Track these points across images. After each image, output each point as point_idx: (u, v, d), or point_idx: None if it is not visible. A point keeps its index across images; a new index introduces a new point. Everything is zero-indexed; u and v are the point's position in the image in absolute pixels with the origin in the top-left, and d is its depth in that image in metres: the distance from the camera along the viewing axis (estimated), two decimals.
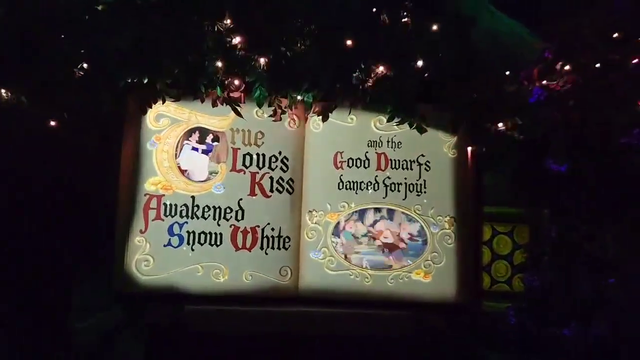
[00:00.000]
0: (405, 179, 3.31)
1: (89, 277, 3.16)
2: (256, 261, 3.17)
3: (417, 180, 3.31)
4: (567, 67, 3.15)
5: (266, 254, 3.18)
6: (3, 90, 2.98)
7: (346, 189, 3.28)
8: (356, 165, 3.30)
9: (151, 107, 3.12)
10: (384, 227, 3.27)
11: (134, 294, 3.08)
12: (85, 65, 2.97)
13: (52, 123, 3.11)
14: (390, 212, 3.28)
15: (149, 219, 3.12)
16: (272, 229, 3.20)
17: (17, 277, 3.07)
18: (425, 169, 3.32)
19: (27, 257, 3.08)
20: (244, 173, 3.22)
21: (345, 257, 3.24)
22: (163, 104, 3.13)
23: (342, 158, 3.30)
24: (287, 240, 3.22)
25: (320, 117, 3.20)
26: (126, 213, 3.14)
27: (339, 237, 3.25)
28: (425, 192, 3.30)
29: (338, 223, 3.25)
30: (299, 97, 3.10)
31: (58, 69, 2.98)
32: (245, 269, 3.15)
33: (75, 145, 3.13)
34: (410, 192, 3.30)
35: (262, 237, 3.19)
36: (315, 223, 3.25)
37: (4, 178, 3.04)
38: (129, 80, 3.00)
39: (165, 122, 3.21)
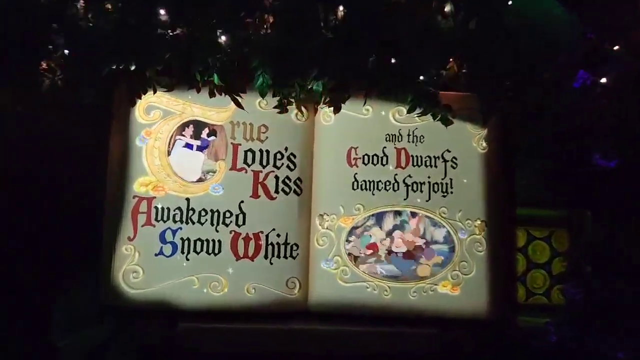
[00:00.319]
0: (429, 177, 2.92)
1: (73, 290, 2.80)
2: (260, 272, 2.81)
3: (443, 179, 2.92)
4: (616, 48, 2.73)
5: (271, 263, 2.83)
6: None
7: (361, 189, 2.90)
8: (373, 163, 2.93)
9: (140, 98, 2.81)
10: (404, 233, 2.87)
11: (122, 309, 2.74)
12: (65, 52, 2.63)
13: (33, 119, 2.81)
14: (412, 216, 2.88)
15: (138, 224, 2.78)
16: (278, 235, 2.84)
17: None
18: (452, 166, 2.93)
19: (4, 267, 2.74)
20: (246, 172, 2.87)
21: (361, 267, 2.86)
22: (154, 94, 2.80)
23: (356, 154, 2.93)
24: (294, 247, 2.85)
25: (332, 108, 2.82)
26: (112, 218, 2.80)
27: (354, 245, 2.87)
28: (451, 192, 2.91)
29: (352, 228, 2.88)
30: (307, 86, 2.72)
31: (34, 57, 2.64)
32: (248, 280, 2.80)
33: (57, 142, 2.82)
34: (435, 192, 2.91)
35: (267, 245, 2.83)
36: (327, 228, 2.88)
37: None
38: (114, 67, 2.66)
39: (157, 115, 2.87)
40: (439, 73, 2.75)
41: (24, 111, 2.79)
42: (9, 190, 2.78)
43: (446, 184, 2.91)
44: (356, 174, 2.91)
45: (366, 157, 2.93)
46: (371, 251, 2.86)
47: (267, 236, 2.83)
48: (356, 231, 2.88)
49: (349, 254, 2.86)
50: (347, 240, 2.87)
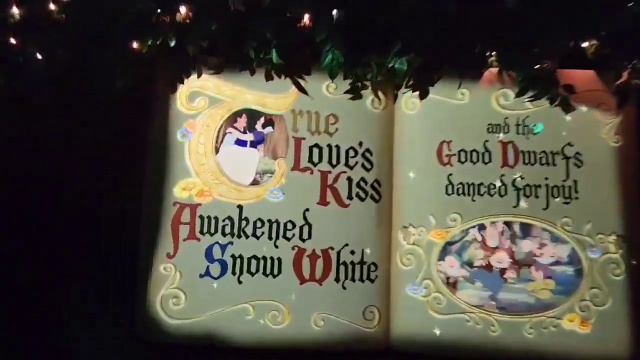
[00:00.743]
0: (547, 179, 2.31)
1: (101, 319, 2.32)
2: (330, 299, 2.29)
3: (564, 181, 2.30)
4: None
5: (344, 288, 2.29)
6: None
7: (457, 194, 2.32)
8: (471, 160, 2.35)
9: (182, 83, 2.37)
10: (515, 251, 2.25)
11: (159, 343, 2.27)
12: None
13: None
14: (526, 229, 2.28)
15: (180, 237, 2.32)
16: (352, 253, 2.31)
17: (7, 316, 2.29)
18: (576, 164, 2.31)
19: (21, 288, 2.31)
20: (311, 173, 2.36)
21: (459, 293, 2.27)
22: (199, 77, 2.36)
23: (450, 150, 2.36)
24: (373, 268, 2.31)
25: (417, 92, 2.28)
26: (148, 230, 2.33)
27: (449, 265, 2.28)
28: (576, 198, 2.29)
29: (447, 244, 2.30)
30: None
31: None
32: (315, 309, 2.28)
33: (84, 137, 2.40)
34: (555, 198, 2.29)
35: (338, 264, 2.31)
36: (414, 244, 2.31)
37: None
38: (150, 43, 2.21)
39: (202, 103, 2.40)
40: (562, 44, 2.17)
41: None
42: (26, 199, 2.34)
43: (569, 187, 2.30)
44: (450, 174, 2.34)
45: (463, 153, 2.36)
46: (472, 273, 2.26)
47: (338, 253, 2.31)
48: (452, 248, 2.29)
49: (444, 278, 2.27)
50: (441, 260, 2.28)
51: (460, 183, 2.32)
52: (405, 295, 2.28)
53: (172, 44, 2.21)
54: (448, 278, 2.27)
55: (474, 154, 2.34)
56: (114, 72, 2.25)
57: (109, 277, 2.30)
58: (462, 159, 2.34)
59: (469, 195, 2.31)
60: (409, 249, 2.30)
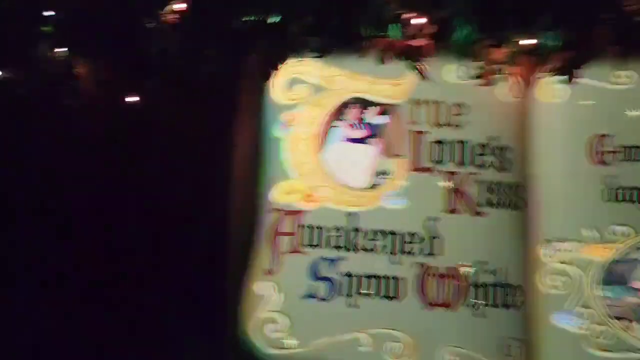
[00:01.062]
0: None
1: (183, 348, 1.99)
2: (462, 329, 1.92)
3: None
4: None
5: (481, 316, 1.91)
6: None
7: (619, 201, 1.90)
8: (636, 159, 1.93)
9: (277, 69, 2.03)
10: None
11: None
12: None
13: (128, 100, 2.08)
14: None
15: (279, 251, 1.99)
16: (489, 272, 1.92)
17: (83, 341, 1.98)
18: None
19: (97, 310, 2.00)
20: (435, 174, 2.00)
21: (631, 327, 1.83)
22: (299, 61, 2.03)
23: (608, 147, 1.94)
24: (515, 292, 1.91)
25: (564, 77, 1.88)
26: (241, 241, 2.02)
27: (615, 291, 1.86)
28: None
29: (612, 263, 1.87)
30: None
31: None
32: (443, 341, 1.91)
33: (163, 133, 2.09)
34: None
35: (473, 287, 1.92)
36: (566, 262, 1.90)
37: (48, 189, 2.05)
38: (245, 19, 1.88)
39: (304, 92, 2.07)
40: None
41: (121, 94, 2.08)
42: (101, 206, 2.07)
43: None
44: (608, 177, 1.93)
45: (626, 150, 1.94)
46: None
47: (472, 273, 1.93)
48: (619, 268, 1.87)
49: (610, 305, 1.85)
50: (605, 283, 1.86)
51: (622, 188, 1.90)
52: (556, 326, 1.87)
53: (274, 20, 1.89)
54: (614, 307, 1.83)
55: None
56: (201, 55, 1.95)
57: (192, 298, 1.98)
58: (626, 157, 1.92)
59: (637, 203, 1.88)
60: (559, 268, 1.89)
